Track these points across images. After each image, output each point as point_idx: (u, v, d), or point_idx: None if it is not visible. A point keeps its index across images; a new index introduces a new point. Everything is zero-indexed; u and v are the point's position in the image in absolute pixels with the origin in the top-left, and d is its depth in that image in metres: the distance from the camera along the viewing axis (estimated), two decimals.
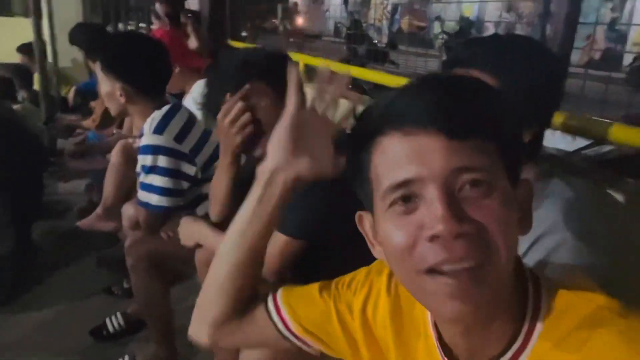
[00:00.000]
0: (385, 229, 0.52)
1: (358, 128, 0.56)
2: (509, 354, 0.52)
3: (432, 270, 0.48)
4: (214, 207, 1.33)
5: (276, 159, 0.69)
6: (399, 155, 0.50)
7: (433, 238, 0.47)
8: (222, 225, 1.29)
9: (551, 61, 0.87)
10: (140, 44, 1.68)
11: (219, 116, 1.16)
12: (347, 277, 0.72)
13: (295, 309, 0.72)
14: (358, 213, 0.61)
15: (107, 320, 1.86)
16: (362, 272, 0.71)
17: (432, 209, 0.47)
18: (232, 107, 1.13)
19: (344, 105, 0.78)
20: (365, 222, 0.60)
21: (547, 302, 0.52)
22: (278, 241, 1.10)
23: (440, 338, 0.58)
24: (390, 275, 0.67)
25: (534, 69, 0.80)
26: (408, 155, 0.49)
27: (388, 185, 0.50)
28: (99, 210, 2.08)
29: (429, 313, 0.60)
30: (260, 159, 1.17)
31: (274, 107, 1.13)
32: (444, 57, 0.94)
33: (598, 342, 0.46)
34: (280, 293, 0.75)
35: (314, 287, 0.73)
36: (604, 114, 1.26)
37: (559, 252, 0.76)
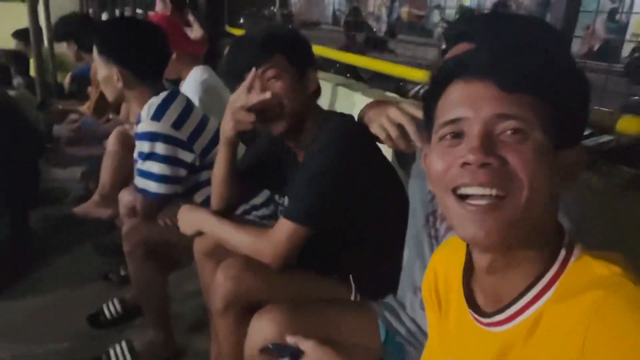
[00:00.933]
0: (432, 157, 0.61)
1: (432, 80, 0.64)
2: (520, 303, 0.58)
3: (459, 195, 0.56)
4: (212, 195, 1.33)
5: None
6: (456, 98, 0.59)
7: (463, 164, 0.56)
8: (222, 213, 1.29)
9: (555, 38, 0.86)
10: (138, 28, 1.66)
11: (231, 97, 1.15)
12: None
13: None
14: (424, 152, 0.67)
15: (104, 307, 1.86)
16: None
17: (469, 142, 0.56)
18: (246, 91, 1.11)
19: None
20: (427, 160, 0.67)
21: (573, 262, 0.57)
22: (285, 228, 1.09)
23: (466, 290, 0.67)
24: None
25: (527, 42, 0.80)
26: (463, 98, 0.58)
27: (442, 121, 0.59)
28: (95, 197, 2.08)
29: (462, 269, 0.69)
30: (278, 138, 1.18)
31: (293, 86, 1.14)
32: (443, 46, 0.93)
33: (606, 304, 0.49)
34: None
35: None
36: (603, 104, 1.26)
37: None
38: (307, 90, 1.18)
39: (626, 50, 6.58)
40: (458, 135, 0.58)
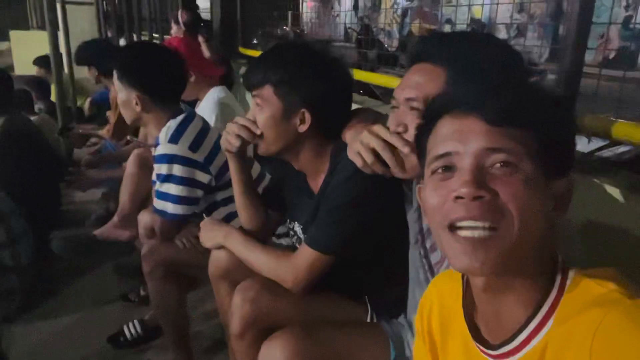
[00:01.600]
0: (426, 192, 0.63)
1: (424, 114, 0.68)
2: (526, 332, 0.58)
3: (454, 227, 0.58)
4: (238, 213, 1.35)
5: None
6: (446, 133, 0.61)
7: (457, 199, 0.57)
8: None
9: (512, 55, 0.88)
10: (156, 52, 1.71)
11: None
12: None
13: None
14: (418, 185, 0.69)
15: (125, 327, 1.87)
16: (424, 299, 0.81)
17: (461, 176, 0.58)
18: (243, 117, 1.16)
19: None
20: (422, 193, 0.69)
21: (569, 287, 0.58)
22: (307, 255, 1.10)
23: (469, 321, 0.67)
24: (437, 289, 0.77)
25: (480, 61, 0.83)
26: (453, 133, 0.60)
27: (433, 155, 0.62)
28: (115, 219, 2.11)
29: (461, 301, 0.69)
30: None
31: (273, 119, 1.14)
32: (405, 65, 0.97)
33: (606, 320, 0.50)
34: None
35: None
36: (620, 114, 1.24)
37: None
38: (294, 127, 1.13)
39: None
40: (449, 169, 0.60)
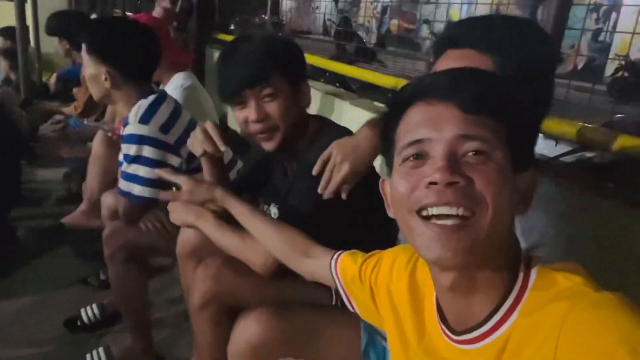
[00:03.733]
0: (395, 179, 0.61)
1: (393, 101, 0.66)
2: (489, 324, 0.58)
3: (424, 215, 0.56)
4: None
5: None
6: (418, 119, 0.60)
7: (430, 184, 0.56)
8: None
9: (547, 44, 0.86)
10: (129, 27, 1.64)
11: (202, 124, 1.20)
12: (371, 263, 0.85)
13: (345, 277, 0.90)
14: (381, 179, 0.69)
15: (82, 311, 1.82)
16: (385, 259, 0.83)
17: (434, 163, 0.56)
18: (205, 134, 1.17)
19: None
20: (386, 186, 0.68)
21: (535, 280, 0.58)
22: None
23: (439, 308, 0.67)
24: (408, 256, 0.77)
25: (529, 50, 0.80)
26: (426, 120, 0.59)
27: (405, 142, 0.60)
28: (83, 206, 2.04)
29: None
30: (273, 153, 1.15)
31: (288, 105, 1.14)
32: (432, 59, 0.94)
33: (574, 312, 0.50)
34: (338, 263, 0.92)
35: (357, 267, 0.87)
36: (587, 121, 1.28)
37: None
38: (301, 106, 1.19)
39: (609, 70, 6.74)
40: (421, 157, 0.58)
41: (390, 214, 0.67)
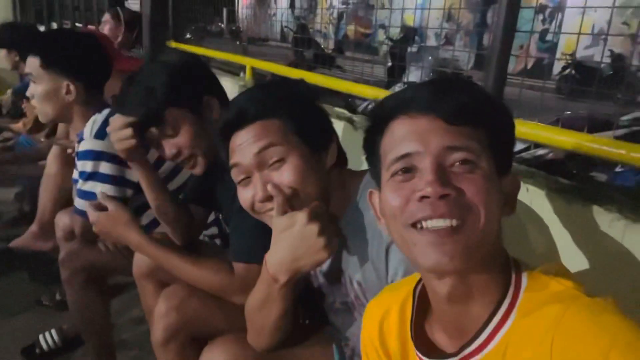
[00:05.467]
0: (386, 194, 0.62)
1: (374, 115, 0.66)
2: (488, 330, 0.59)
3: (418, 226, 0.57)
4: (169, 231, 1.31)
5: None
6: (403, 133, 0.60)
7: (422, 198, 0.57)
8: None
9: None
10: (85, 39, 1.62)
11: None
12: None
13: None
14: (370, 190, 0.69)
15: (40, 337, 1.74)
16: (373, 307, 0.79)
17: (424, 176, 0.57)
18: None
19: None
20: (374, 198, 0.69)
21: (527, 283, 0.60)
22: (236, 271, 1.06)
23: (417, 333, 0.67)
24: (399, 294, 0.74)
25: None
26: (411, 133, 0.59)
27: (392, 157, 0.61)
28: (34, 227, 1.93)
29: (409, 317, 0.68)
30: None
31: (195, 129, 1.14)
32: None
33: (567, 315, 0.51)
34: None
35: None
36: (539, 119, 1.32)
37: None
38: (209, 121, 1.16)
39: (557, 68, 7.05)
40: (409, 170, 0.59)
41: (380, 224, 0.67)
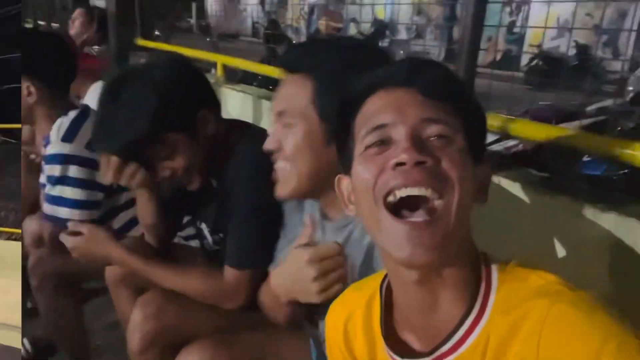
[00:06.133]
0: (358, 168, 0.59)
1: (350, 92, 0.64)
2: (464, 328, 0.57)
3: (392, 206, 0.55)
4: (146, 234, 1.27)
5: None
6: (380, 105, 0.59)
7: (396, 166, 0.55)
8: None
9: (383, 61, 0.87)
10: (46, 38, 1.57)
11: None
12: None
13: None
14: (337, 176, 0.67)
15: None
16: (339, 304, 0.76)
17: (399, 145, 0.56)
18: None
19: None
20: (342, 183, 0.66)
21: (498, 277, 0.58)
22: (234, 277, 1.04)
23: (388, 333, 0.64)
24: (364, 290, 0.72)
25: (346, 66, 0.81)
26: (387, 106, 0.58)
27: (368, 128, 0.59)
28: None
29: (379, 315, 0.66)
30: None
31: (190, 154, 1.07)
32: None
33: (554, 310, 0.50)
34: None
35: None
36: (508, 110, 1.35)
37: None
38: (205, 137, 1.08)
39: (524, 60, 7.20)
40: (385, 143, 0.57)
41: (350, 211, 0.65)
